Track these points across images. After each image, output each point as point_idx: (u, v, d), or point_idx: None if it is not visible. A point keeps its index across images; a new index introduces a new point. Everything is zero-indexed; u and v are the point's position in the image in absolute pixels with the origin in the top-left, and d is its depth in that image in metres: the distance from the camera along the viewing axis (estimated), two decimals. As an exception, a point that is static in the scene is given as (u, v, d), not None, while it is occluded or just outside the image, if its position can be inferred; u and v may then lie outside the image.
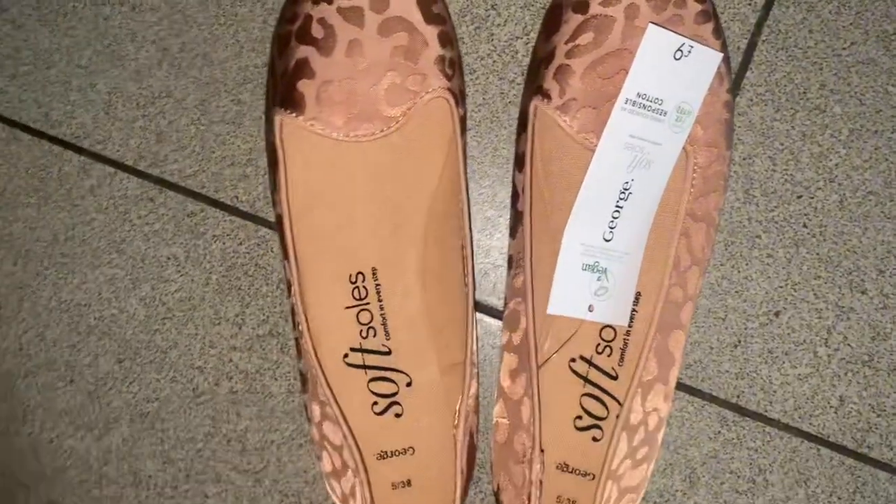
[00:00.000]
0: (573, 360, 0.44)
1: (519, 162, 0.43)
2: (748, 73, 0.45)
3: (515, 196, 0.44)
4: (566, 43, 0.41)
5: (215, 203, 0.48)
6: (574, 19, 0.41)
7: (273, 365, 0.48)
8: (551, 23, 0.42)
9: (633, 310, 0.43)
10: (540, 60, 0.42)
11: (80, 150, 0.48)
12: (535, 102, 0.41)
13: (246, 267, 0.48)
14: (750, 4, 0.45)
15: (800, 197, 0.45)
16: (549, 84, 0.41)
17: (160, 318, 0.48)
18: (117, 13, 0.48)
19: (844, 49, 0.45)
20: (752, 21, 0.45)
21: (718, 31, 0.41)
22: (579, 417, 0.44)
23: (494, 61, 0.46)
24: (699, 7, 0.41)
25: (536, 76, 0.42)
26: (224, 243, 0.48)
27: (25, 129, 0.49)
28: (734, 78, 0.45)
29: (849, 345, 0.45)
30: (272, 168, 0.42)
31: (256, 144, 0.47)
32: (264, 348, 0.48)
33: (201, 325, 0.48)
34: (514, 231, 0.44)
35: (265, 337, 0.48)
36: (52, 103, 0.48)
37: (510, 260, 0.44)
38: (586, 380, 0.44)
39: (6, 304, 0.49)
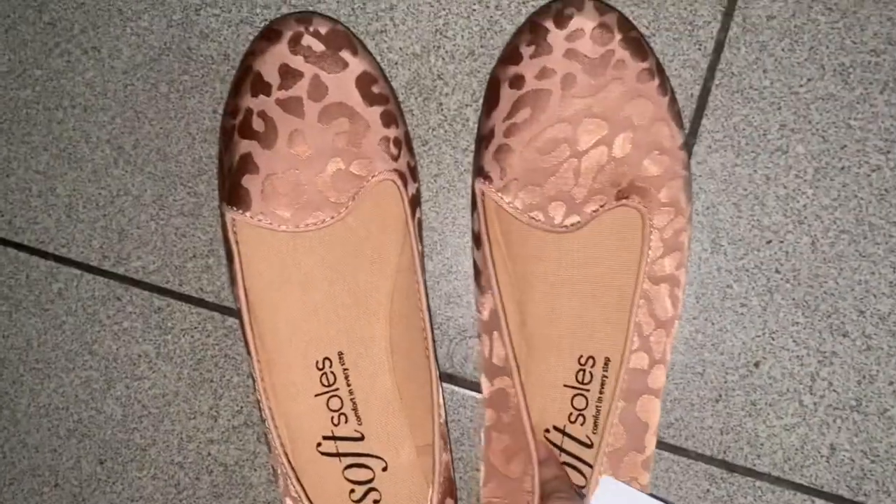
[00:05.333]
0: (547, 430, 0.43)
1: (476, 240, 0.42)
2: (704, 121, 0.44)
3: (478, 271, 0.43)
4: (504, 120, 0.40)
5: (181, 297, 0.48)
6: (510, 95, 0.40)
7: (251, 455, 0.47)
8: (490, 98, 0.41)
9: (604, 375, 0.42)
10: (482, 138, 0.41)
11: (45, 255, 0.48)
12: (478, 185, 0.40)
13: (216, 359, 0.47)
14: (700, 49, 0.44)
15: (769, 242, 0.44)
16: (490, 166, 0.40)
17: (137, 417, 0.48)
18: (70, 116, 0.48)
19: (801, 86, 0.43)
20: (704, 66, 0.44)
21: (664, 88, 0.40)
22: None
23: (446, 131, 0.46)
24: (641, 66, 0.40)
25: (479, 155, 0.42)
26: (192, 336, 0.48)
27: (-9, 238, 0.49)
28: (690, 125, 0.44)
29: (834, 391, 0.44)
30: (228, 262, 0.42)
31: (216, 235, 0.47)
32: (241, 439, 0.47)
33: (177, 420, 0.48)
34: (479, 306, 0.43)
35: (241, 427, 0.47)
36: (15, 210, 0.49)
37: (480, 336, 0.43)
38: (561, 449, 0.43)
39: (-14, 414, 0.49)
